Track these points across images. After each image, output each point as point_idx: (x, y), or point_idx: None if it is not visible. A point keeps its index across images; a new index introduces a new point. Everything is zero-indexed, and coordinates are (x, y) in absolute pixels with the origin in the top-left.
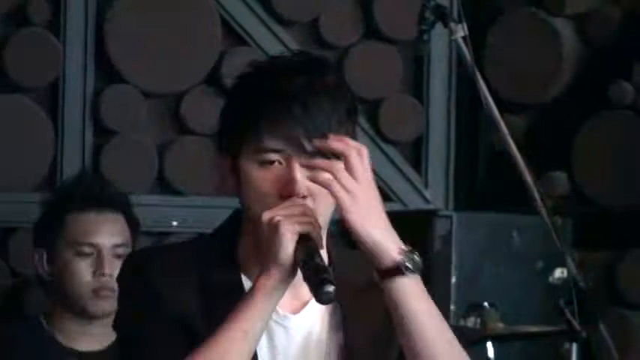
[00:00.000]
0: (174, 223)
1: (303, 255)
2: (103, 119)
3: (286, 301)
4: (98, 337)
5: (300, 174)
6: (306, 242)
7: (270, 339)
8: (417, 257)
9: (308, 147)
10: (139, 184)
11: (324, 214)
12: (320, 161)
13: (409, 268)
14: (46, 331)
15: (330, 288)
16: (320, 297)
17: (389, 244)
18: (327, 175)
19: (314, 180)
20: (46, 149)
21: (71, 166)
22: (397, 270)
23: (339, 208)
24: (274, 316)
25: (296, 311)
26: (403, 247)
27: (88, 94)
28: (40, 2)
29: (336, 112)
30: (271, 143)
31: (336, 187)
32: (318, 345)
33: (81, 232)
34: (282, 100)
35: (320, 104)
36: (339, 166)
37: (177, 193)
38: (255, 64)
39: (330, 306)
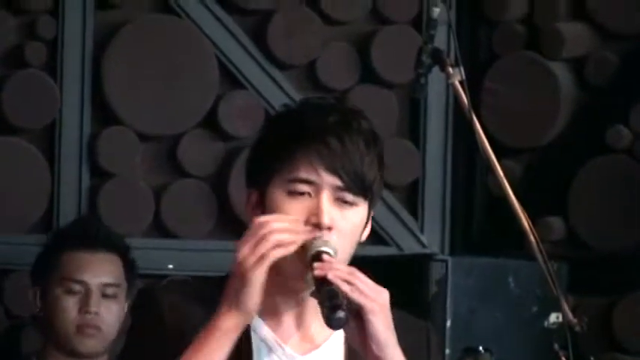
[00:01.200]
0: (170, 266)
1: (317, 281)
2: (99, 162)
3: (296, 341)
4: None
5: (328, 205)
6: None
7: None
8: None
9: (341, 182)
10: (135, 226)
11: (346, 250)
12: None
13: None
14: None
15: (342, 314)
16: (331, 322)
17: (400, 355)
18: (346, 287)
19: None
20: (43, 191)
21: (67, 208)
22: None
23: (363, 312)
24: (281, 355)
25: (305, 352)
26: None
27: (85, 136)
28: (37, 44)
29: (369, 153)
30: (304, 174)
31: (356, 295)
32: None
33: (72, 269)
34: (319, 133)
35: (355, 142)
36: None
37: (173, 236)
38: (289, 105)
39: (339, 356)
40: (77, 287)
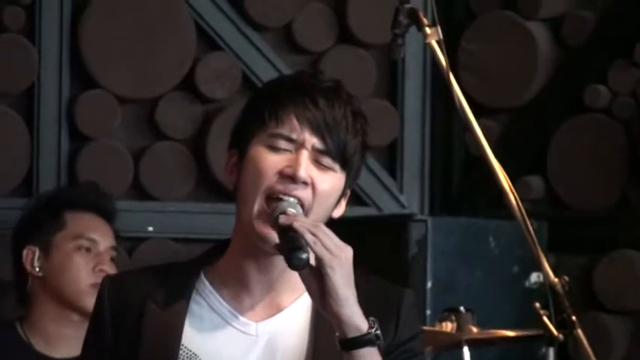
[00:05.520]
0: (150, 229)
1: (281, 230)
2: (78, 125)
3: (262, 308)
4: (76, 341)
5: (307, 162)
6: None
7: (229, 345)
8: (378, 331)
9: (322, 145)
10: (115, 189)
11: (319, 212)
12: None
13: (373, 340)
14: (22, 338)
15: (304, 255)
16: (292, 262)
17: (359, 313)
18: (310, 237)
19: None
20: (22, 155)
21: (47, 172)
22: (365, 340)
23: (322, 265)
24: (235, 324)
25: (262, 319)
26: (370, 319)
27: (64, 99)
28: (15, 9)
29: (355, 126)
30: (287, 130)
31: (318, 247)
32: (284, 353)
33: (82, 227)
34: (310, 93)
35: (343, 111)
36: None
37: (152, 198)
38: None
39: (304, 318)
40: (87, 244)
